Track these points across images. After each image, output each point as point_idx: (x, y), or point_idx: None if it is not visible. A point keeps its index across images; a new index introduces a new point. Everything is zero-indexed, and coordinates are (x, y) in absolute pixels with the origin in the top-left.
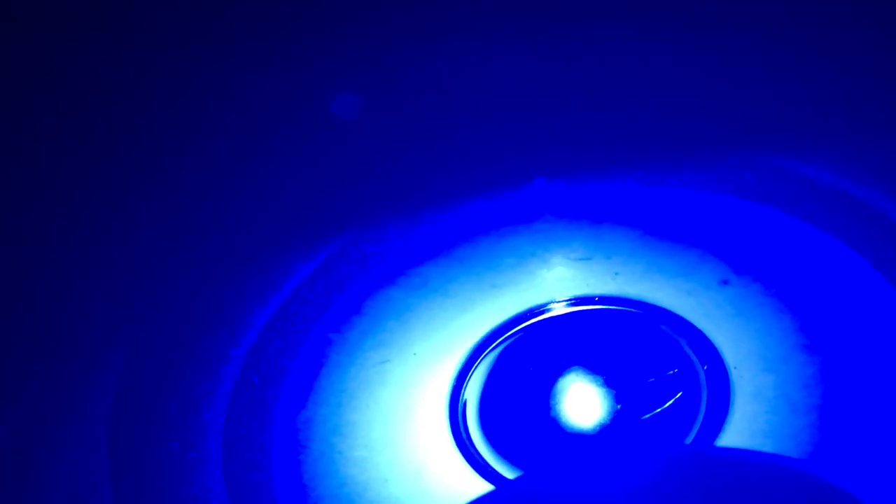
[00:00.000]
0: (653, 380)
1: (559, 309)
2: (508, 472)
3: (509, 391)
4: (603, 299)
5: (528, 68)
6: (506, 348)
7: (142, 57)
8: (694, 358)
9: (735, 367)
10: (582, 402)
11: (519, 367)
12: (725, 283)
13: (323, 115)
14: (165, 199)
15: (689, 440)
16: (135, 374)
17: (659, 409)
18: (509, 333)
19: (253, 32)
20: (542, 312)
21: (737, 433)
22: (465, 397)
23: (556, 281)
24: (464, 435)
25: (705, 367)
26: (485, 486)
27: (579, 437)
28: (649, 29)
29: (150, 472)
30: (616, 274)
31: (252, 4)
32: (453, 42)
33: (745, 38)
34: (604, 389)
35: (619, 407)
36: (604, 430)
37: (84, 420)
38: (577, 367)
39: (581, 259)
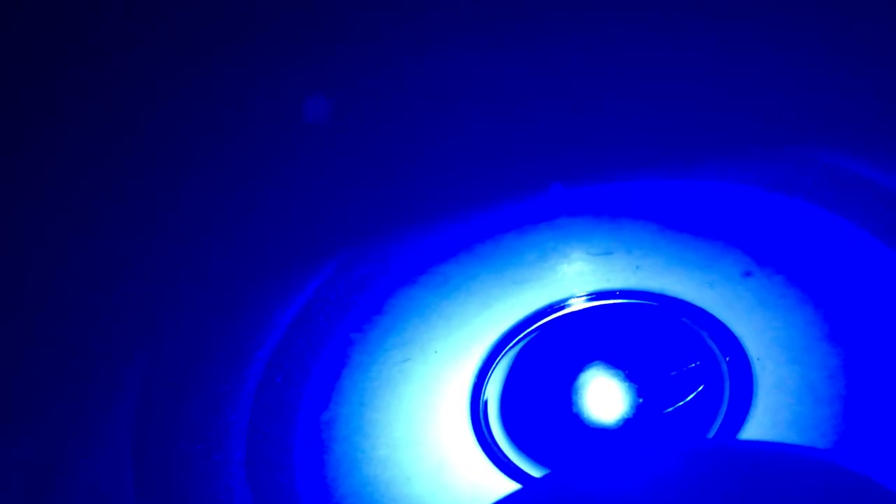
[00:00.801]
0: (675, 373)
1: (580, 304)
2: (531, 469)
3: (531, 387)
4: (624, 293)
5: (546, 62)
6: (527, 344)
7: (161, 61)
8: (716, 350)
9: (758, 359)
10: (604, 397)
11: (540, 363)
12: (748, 274)
13: (341, 115)
14: (187, 200)
15: (712, 433)
16: (158, 376)
17: (681, 403)
18: (530, 329)
19: (267, 34)
20: (563, 308)
21: (760, 425)
22: (486, 394)
23: (576, 276)
24: (486, 432)
25: (728, 360)
26: (507, 483)
27: (602, 433)
28: (669, 20)
29: (174, 473)
30: (637, 268)
31: (263, 7)
32: (471, 39)
33: (766, 28)
34: (626, 384)
35: (641, 401)
36: (626, 425)
37: (108, 423)
38: (598, 361)
39: (602, 254)
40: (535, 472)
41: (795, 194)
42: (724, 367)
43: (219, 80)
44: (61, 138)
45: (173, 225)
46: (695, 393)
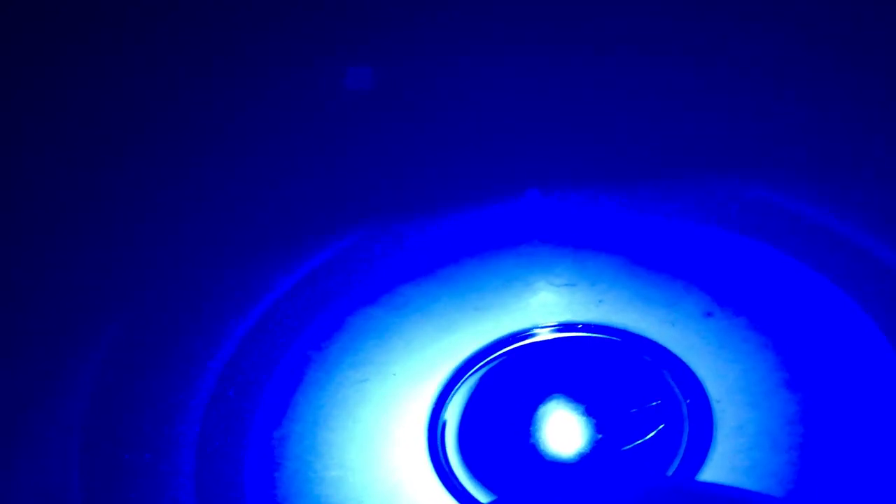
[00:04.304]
0: (635, 410)
1: (542, 335)
2: (485, 498)
3: (489, 416)
4: (586, 327)
5: (518, 93)
6: (487, 372)
7: (128, 57)
8: (677, 390)
9: (718, 401)
10: (562, 430)
11: (500, 392)
12: (709, 315)
13: (309, 130)
14: (145, 207)
15: (669, 474)
16: (108, 383)
17: (640, 441)
18: (491, 357)
19: (249, 35)
20: (525, 337)
21: (718, 469)
22: (444, 420)
23: (539, 306)
24: (442, 458)
25: (688, 401)
26: None
27: (558, 466)
28: (639, 57)
29: (121, 482)
30: (600, 301)
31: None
32: (451, 56)
33: (736, 71)
34: (585, 418)
35: (599, 437)
36: (583, 460)
37: (55, 428)
38: (558, 394)
39: (565, 285)
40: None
41: (759, 238)
42: (685, 408)
43: (186, 83)
44: (42, 125)
45: (131, 230)
46: (654, 432)
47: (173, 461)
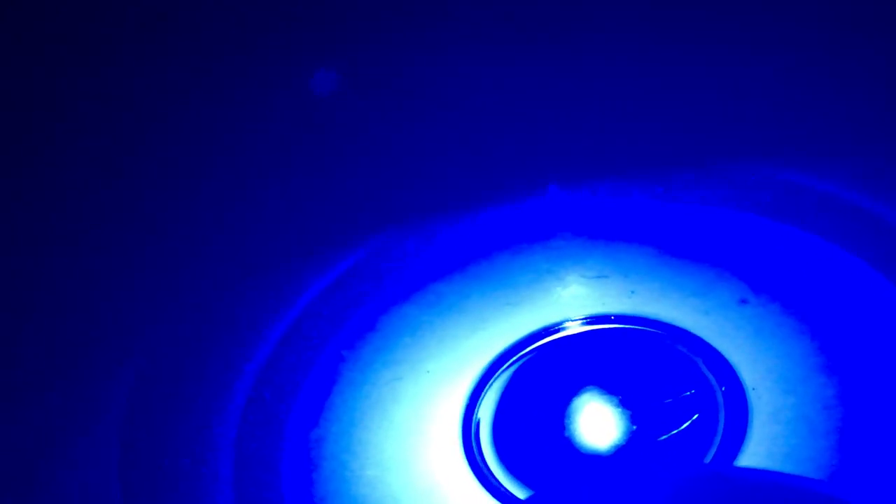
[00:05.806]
0: (669, 401)
1: (574, 327)
2: (521, 493)
3: (524, 410)
4: (619, 318)
5: (546, 85)
6: (520, 367)
7: (154, 57)
8: (711, 379)
9: (753, 388)
10: (597, 423)
11: (533, 386)
12: (744, 302)
13: (338, 130)
14: (177, 212)
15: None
16: (146, 388)
17: (676, 431)
18: (524, 352)
19: (267, 39)
20: (558, 331)
21: (755, 456)
22: (478, 416)
23: (571, 299)
24: (477, 454)
25: (723, 388)
26: None
27: (594, 458)
28: (669, 42)
29: (161, 487)
30: (632, 292)
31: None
32: (470, 53)
33: (765, 54)
34: (619, 410)
35: (634, 428)
36: (619, 452)
37: (94, 434)
38: (592, 386)
39: (597, 277)
40: (526, 496)
41: (793, 222)
42: (720, 396)
43: (213, 84)
44: (61, 132)
45: (165, 237)
46: (689, 421)
47: (212, 464)
